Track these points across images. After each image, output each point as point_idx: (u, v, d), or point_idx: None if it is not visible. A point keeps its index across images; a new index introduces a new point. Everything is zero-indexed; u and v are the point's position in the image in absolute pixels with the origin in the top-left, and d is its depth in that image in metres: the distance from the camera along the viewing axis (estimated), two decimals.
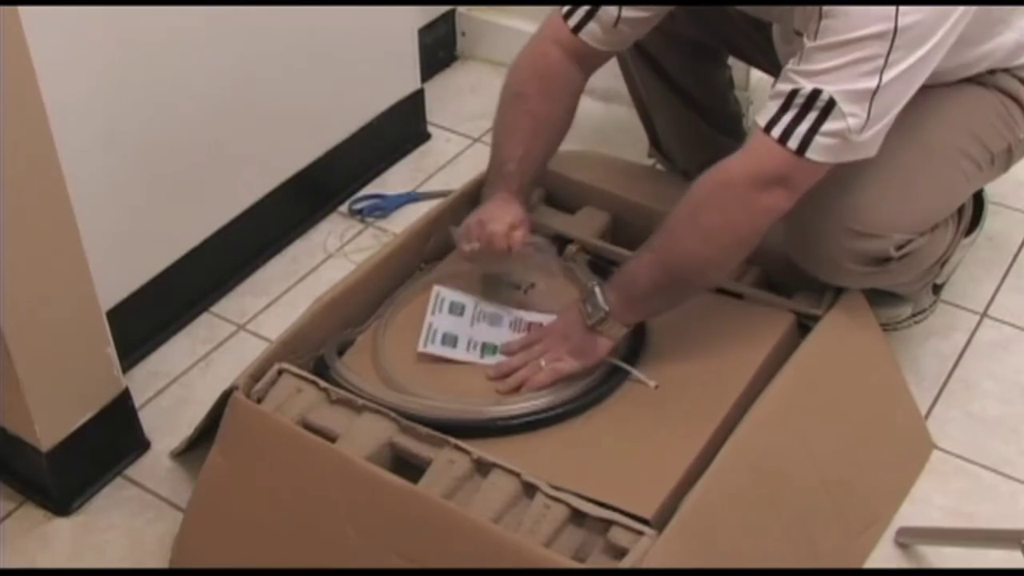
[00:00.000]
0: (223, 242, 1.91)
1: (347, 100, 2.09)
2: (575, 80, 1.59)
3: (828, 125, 1.32)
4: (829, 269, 1.52)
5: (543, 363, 1.49)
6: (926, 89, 1.51)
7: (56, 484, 1.59)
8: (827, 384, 1.53)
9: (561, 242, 1.71)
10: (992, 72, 1.57)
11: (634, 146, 2.09)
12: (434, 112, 2.31)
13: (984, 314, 1.85)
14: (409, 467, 1.40)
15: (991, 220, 1.90)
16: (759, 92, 1.98)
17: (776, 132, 1.34)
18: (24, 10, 1.30)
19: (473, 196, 1.78)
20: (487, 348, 1.56)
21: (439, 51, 2.47)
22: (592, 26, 1.54)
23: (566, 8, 1.56)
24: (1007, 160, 1.62)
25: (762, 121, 1.36)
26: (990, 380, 1.74)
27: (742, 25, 1.74)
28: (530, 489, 1.34)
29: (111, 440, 1.64)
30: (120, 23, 1.59)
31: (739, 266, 1.65)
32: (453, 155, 2.25)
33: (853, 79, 1.31)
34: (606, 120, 2.28)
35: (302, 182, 2.03)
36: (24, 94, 1.34)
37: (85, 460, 1.61)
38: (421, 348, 1.55)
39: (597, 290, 1.48)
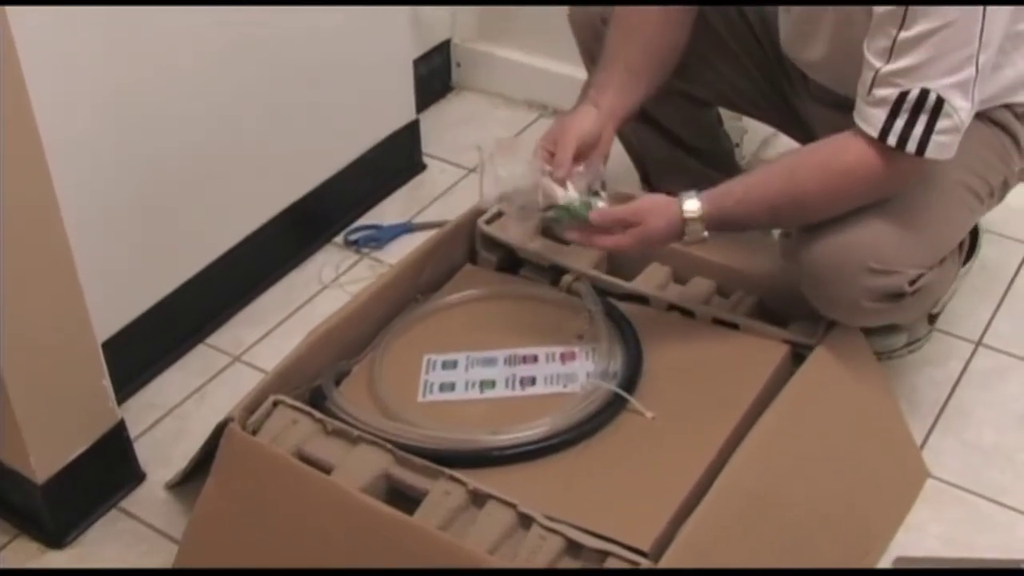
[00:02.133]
0: (218, 273, 1.91)
1: (342, 131, 2.09)
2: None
3: (941, 123, 1.36)
4: (847, 309, 1.52)
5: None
6: None
7: (51, 516, 1.58)
8: (822, 413, 1.53)
9: (557, 272, 1.72)
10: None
11: (630, 174, 2.09)
12: (429, 143, 2.32)
13: (979, 343, 1.85)
14: (405, 498, 1.39)
15: (985, 248, 1.91)
16: (752, 121, 1.99)
17: (892, 140, 1.38)
18: (23, 47, 1.31)
19: (468, 227, 1.78)
20: (485, 384, 1.56)
21: (434, 82, 2.48)
22: None
23: None
24: (1003, 192, 1.63)
25: (873, 131, 1.38)
26: (985, 408, 1.74)
27: (730, 75, 1.75)
28: (526, 520, 1.33)
29: (106, 472, 1.63)
30: (116, 57, 1.60)
31: (734, 295, 1.66)
32: (448, 186, 2.26)
33: (953, 70, 1.34)
34: None
35: (297, 213, 2.04)
36: (20, 128, 1.34)
37: (80, 492, 1.60)
38: (420, 400, 1.55)
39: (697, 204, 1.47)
